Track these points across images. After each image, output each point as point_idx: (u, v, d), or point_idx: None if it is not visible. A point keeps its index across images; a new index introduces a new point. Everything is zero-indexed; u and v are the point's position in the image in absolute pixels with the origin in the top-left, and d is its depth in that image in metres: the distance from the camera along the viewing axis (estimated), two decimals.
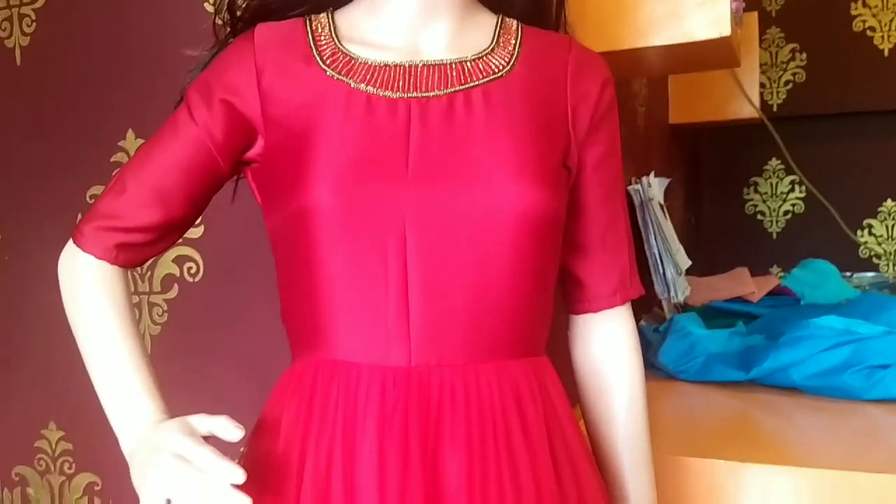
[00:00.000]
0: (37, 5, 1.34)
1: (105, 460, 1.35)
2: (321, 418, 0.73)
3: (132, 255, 0.82)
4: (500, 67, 0.79)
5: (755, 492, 1.04)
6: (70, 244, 0.82)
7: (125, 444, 0.76)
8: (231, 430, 0.67)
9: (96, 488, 1.36)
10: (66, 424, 1.38)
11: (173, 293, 1.30)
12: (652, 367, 1.63)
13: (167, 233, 0.83)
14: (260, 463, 0.75)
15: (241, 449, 0.81)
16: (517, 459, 0.73)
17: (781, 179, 3.42)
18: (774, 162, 3.41)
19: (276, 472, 0.74)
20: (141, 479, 0.69)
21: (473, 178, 0.74)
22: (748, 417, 1.34)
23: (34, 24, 1.35)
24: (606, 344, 0.88)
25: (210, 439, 0.69)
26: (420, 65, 0.78)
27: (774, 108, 3.31)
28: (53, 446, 1.38)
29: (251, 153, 0.81)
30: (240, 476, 0.63)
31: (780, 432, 1.26)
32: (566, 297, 0.90)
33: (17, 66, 1.37)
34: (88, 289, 0.79)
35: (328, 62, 0.78)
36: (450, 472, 0.71)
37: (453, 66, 0.78)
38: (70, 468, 1.37)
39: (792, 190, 3.40)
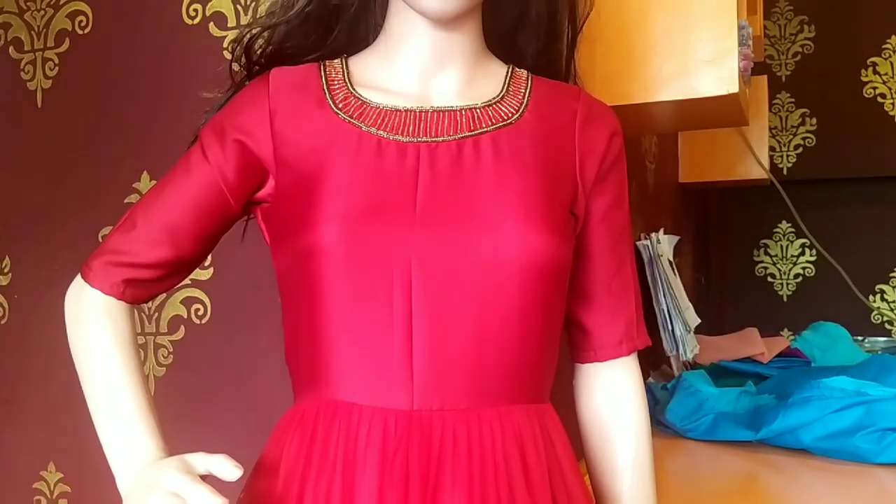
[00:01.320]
0: (60, 49, 1.38)
1: None
2: (321, 459, 0.73)
3: (139, 292, 0.82)
4: (510, 115, 0.80)
5: None
6: (78, 279, 0.82)
7: (122, 483, 0.75)
8: (229, 469, 0.67)
9: None
10: (65, 467, 1.37)
11: (180, 335, 1.30)
12: (659, 424, 1.61)
13: (176, 271, 0.84)
14: (258, 503, 0.74)
15: (240, 496, 0.80)
16: None
17: (792, 242, 3.42)
18: (784, 225, 3.42)
19: None
20: None
21: (480, 224, 0.75)
22: (756, 478, 1.32)
23: (57, 67, 1.39)
24: (612, 395, 0.87)
25: (209, 479, 0.68)
26: (430, 111, 0.79)
27: (784, 172, 3.33)
28: (52, 488, 1.37)
29: (262, 193, 0.82)
30: None
31: (788, 495, 1.23)
32: (572, 346, 0.90)
33: (38, 108, 1.40)
34: (94, 323, 0.79)
35: (340, 106, 0.79)
36: None
37: (463, 112, 0.79)
38: None
39: (802, 253, 3.39)
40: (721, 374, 1.88)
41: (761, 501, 1.19)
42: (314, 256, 0.75)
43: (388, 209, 0.74)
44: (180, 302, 1.30)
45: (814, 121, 3.32)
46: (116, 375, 0.78)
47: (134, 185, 1.32)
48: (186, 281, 1.28)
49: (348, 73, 0.83)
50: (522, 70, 0.86)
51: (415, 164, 0.76)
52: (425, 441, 0.72)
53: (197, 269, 1.27)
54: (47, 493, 1.37)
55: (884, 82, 3.21)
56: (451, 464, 0.71)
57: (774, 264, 3.45)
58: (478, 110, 0.80)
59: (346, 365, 0.74)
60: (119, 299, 0.81)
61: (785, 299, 3.42)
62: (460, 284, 0.74)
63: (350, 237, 0.74)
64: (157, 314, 1.31)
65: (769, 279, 3.45)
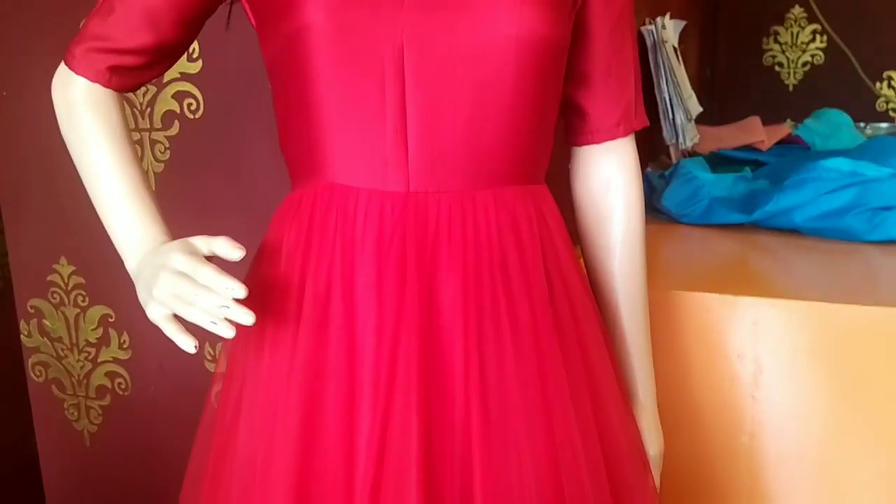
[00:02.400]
0: None
1: (117, 294, 1.39)
2: (320, 242, 0.74)
3: (125, 79, 0.80)
4: None
5: (746, 324, 1.07)
6: (62, 67, 0.80)
7: (130, 264, 0.77)
8: (231, 250, 0.68)
9: (110, 320, 1.41)
10: (76, 260, 1.41)
11: (174, 130, 1.29)
12: (655, 210, 1.63)
13: (161, 57, 0.81)
14: (261, 285, 0.77)
15: (243, 280, 0.82)
16: (512, 283, 0.74)
17: (803, 28, 3.29)
18: (797, 9, 3.27)
19: (276, 294, 0.76)
20: (146, 295, 0.71)
21: (473, 2, 0.71)
22: (746, 257, 1.35)
23: None
24: (608, 174, 0.87)
25: (212, 261, 0.70)
26: None
27: None
28: (66, 280, 1.42)
29: None
30: (241, 291, 0.65)
31: (775, 270, 1.27)
32: (569, 129, 0.89)
33: None
34: (84, 112, 0.79)
35: None
36: (446, 295, 0.72)
37: None
38: (84, 301, 1.42)
39: (813, 40, 3.28)
40: (719, 162, 1.88)
41: (748, 276, 1.24)
42: (301, 39, 0.72)
43: None
44: (171, 97, 1.27)
45: None
46: (111, 163, 0.78)
47: None
48: (175, 74, 1.25)
49: None
50: None
51: None
52: (421, 223, 0.73)
53: (185, 62, 1.25)
54: (62, 284, 1.42)
55: None
56: (447, 245, 0.73)
57: (783, 52, 3.34)
58: None
59: (341, 149, 0.74)
60: (105, 87, 0.79)
61: (791, 89, 3.35)
62: (454, 64, 0.72)
63: (337, 17, 0.71)
64: (149, 109, 1.29)
65: (776, 68, 3.36)
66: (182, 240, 0.72)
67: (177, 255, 0.69)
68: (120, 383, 1.43)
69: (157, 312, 0.69)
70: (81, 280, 1.41)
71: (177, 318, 0.69)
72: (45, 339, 1.46)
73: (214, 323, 0.65)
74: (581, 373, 0.79)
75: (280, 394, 0.74)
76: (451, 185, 0.74)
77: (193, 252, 0.70)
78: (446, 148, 0.73)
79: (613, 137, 0.86)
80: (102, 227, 0.80)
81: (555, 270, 0.79)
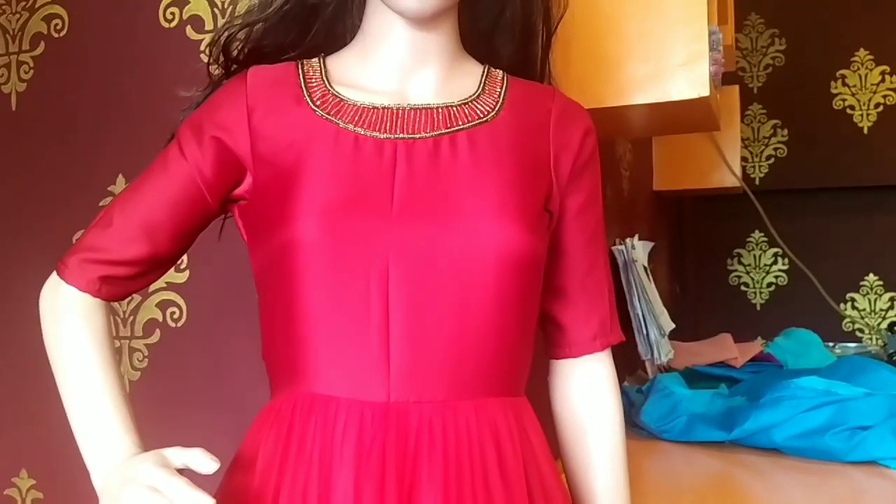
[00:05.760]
0: (35, 53, 1.37)
1: None
2: (298, 453, 0.73)
3: (115, 289, 0.82)
4: (486, 112, 0.81)
5: None
6: (53, 276, 0.82)
7: (97, 478, 0.74)
8: (206, 463, 0.67)
9: None
10: (38, 473, 1.35)
11: (155, 338, 1.29)
12: (634, 426, 1.62)
13: (152, 268, 0.84)
14: (234, 498, 0.74)
15: (216, 492, 0.79)
16: (494, 498, 0.72)
17: (764, 251, 3.46)
18: (757, 234, 3.46)
19: None
20: None
21: (457, 218, 0.75)
22: (730, 478, 1.33)
23: (31, 70, 1.38)
24: (586, 389, 0.88)
25: (186, 474, 0.68)
26: (407, 108, 0.80)
27: (757, 182, 3.38)
28: (24, 494, 1.35)
29: (239, 190, 0.82)
30: None
31: (761, 493, 1.24)
32: (547, 342, 0.91)
33: (13, 111, 1.39)
34: (69, 320, 0.79)
35: (318, 103, 0.80)
36: None
37: (440, 110, 0.80)
38: None
39: (775, 262, 3.44)
40: (695, 378, 1.90)
41: (736, 500, 1.21)
42: (291, 251, 0.75)
43: (365, 204, 0.75)
44: (156, 305, 1.29)
45: (785, 132, 3.37)
46: (92, 372, 0.77)
47: (109, 189, 1.31)
48: (162, 284, 1.28)
49: (326, 72, 0.83)
50: (498, 70, 0.87)
51: (392, 160, 0.77)
52: (402, 433, 0.72)
53: (172, 272, 1.28)
54: (19, 499, 1.35)
55: (852, 94, 3.27)
56: (428, 456, 0.72)
57: (748, 273, 3.49)
58: (454, 108, 0.81)
59: (323, 358, 0.75)
60: (95, 296, 0.80)
61: (758, 308, 3.46)
62: (436, 278, 0.74)
63: (327, 231, 0.74)
64: (132, 318, 1.30)
65: (742, 288, 3.49)
66: (155, 451, 0.70)
67: (147, 467, 0.67)
68: None
69: None
70: (40, 495, 1.34)
71: None
72: None
73: None
74: None
75: None
76: (432, 396, 0.74)
77: (165, 464, 0.67)
78: (428, 359, 0.74)
79: (590, 352, 0.88)
80: (70, 441, 0.77)
81: (536, 485, 0.77)
